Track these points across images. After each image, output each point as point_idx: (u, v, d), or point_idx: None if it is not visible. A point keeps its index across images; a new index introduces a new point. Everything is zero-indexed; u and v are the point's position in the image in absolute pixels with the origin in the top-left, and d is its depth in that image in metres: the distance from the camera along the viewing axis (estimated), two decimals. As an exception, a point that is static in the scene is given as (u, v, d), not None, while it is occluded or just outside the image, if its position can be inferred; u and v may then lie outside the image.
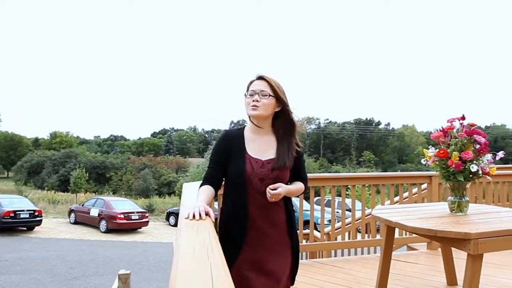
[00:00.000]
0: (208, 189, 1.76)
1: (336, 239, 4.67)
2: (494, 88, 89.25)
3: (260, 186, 1.72)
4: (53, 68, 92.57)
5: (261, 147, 1.79)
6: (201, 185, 1.81)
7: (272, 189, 1.67)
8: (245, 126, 1.88)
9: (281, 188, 1.69)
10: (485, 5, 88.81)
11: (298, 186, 1.84)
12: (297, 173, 1.85)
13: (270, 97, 1.75)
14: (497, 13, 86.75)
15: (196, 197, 1.75)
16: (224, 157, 1.79)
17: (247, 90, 1.81)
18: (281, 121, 1.81)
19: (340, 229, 4.26)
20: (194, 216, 1.47)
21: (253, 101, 1.74)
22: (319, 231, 4.58)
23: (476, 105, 79.07)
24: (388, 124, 65.30)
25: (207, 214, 1.53)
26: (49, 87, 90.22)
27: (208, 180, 1.80)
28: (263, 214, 1.74)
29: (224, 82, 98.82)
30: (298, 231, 1.96)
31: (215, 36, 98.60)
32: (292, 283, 1.86)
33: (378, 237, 4.14)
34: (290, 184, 1.81)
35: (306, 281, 3.06)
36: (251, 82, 1.81)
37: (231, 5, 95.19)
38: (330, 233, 4.86)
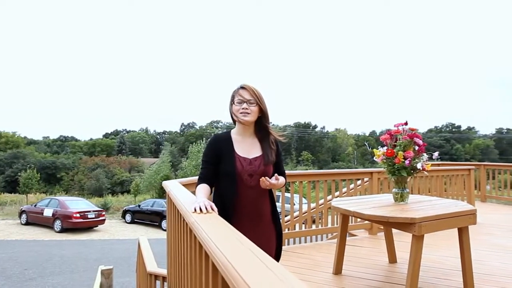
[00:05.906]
0: (205, 187, 1.81)
1: (289, 229, 4.85)
2: (410, 97, 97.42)
3: (249, 181, 1.83)
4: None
5: (247, 147, 1.90)
6: (197, 184, 1.84)
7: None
8: (231, 130, 1.97)
9: (273, 180, 1.80)
10: (401, 21, 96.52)
11: (281, 180, 1.95)
12: (278, 168, 1.98)
13: (256, 105, 1.86)
14: (415, 29, 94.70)
15: (181, 191, 1.75)
16: (215, 158, 1.86)
17: (233, 99, 1.90)
18: (261, 124, 1.93)
19: (297, 218, 4.45)
20: (201, 210, 1.50)
21: (243, 108, 1.85)
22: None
23: (396, 111, 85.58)
24: (323, 127, 68.52)
25: (211, 208, 1.56)
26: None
27: (203, 179, 1.86)
28: (252, 205, 1.85)
29: (175, 85, 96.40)
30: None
31: (168, 40, 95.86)
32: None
33: (313, 227, 4.50)
34: (273, 177, 1.90)
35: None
36: (236, 91, 1.90)
37: (185, 10, 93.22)
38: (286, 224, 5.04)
